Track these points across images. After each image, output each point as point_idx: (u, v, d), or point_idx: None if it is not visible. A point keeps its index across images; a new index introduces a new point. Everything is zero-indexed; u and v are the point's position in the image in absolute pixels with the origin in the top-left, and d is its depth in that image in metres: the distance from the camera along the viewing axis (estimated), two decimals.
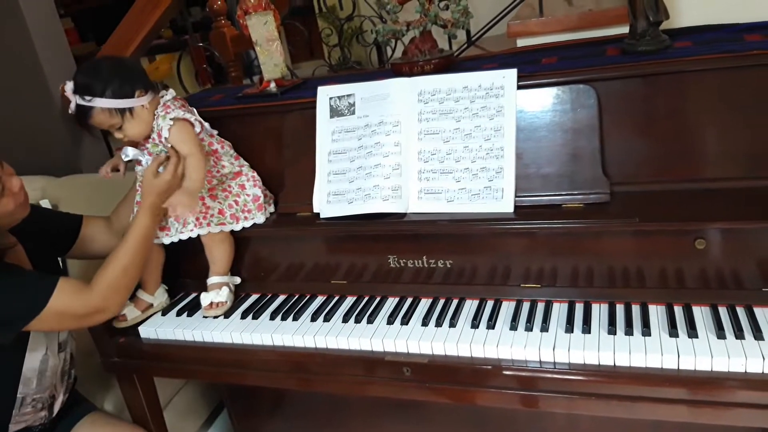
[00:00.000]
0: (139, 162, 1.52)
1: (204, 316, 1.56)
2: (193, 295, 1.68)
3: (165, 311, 1.64)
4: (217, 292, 1.56)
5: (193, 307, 1.62)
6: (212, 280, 1.58)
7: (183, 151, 1.46)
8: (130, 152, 1.50)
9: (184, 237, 1.53)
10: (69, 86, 1.41)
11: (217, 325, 1.54)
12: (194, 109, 1.54)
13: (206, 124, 1.54)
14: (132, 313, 1.61)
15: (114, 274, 1.41)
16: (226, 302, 1.56)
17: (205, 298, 1.56)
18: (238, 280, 1.63)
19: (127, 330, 1.61)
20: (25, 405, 1.46)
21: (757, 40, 1.36)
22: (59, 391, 1.53)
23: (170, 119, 1.44)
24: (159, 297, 1.65)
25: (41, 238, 1.53)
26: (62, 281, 1.34)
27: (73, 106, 1.42)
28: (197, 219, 1.52)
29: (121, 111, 1.41)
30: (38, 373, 1.46)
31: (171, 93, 1.52)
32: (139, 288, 1.62)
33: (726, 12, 1.52)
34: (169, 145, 1.47)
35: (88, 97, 1.38)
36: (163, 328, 1.57)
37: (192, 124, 1.48)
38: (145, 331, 1.59)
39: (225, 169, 1.56)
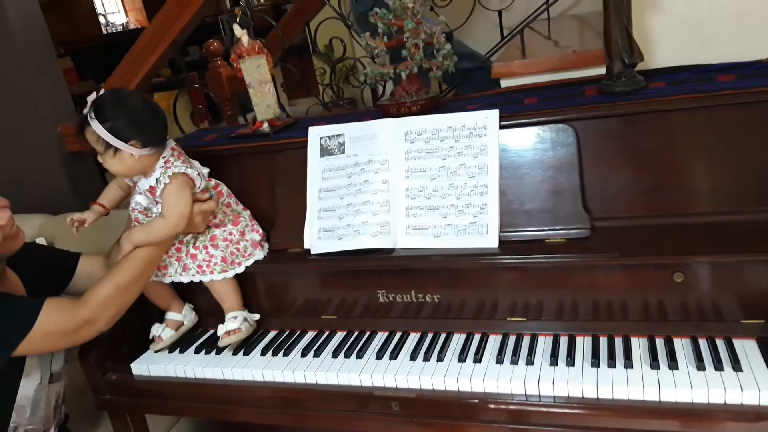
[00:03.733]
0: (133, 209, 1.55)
1: (221, 345, 1.57)
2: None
3: (158, 349, 1.65)
4: (232, 319, 1.57)
5: (184, 344, 1.64)
6: (228, 315, 1.59)
7: (164, 208, 1.46)
8: (142, 201, 1.52)
9: (185, 280, 1.57)
10: (92, 97, 1.43)
11: (209, 361, 1.56)
12: (195, 162, 1.55)
13: (205, 171, 1.56)
14: (167, 334, 1.64)
15: (106, 289, 1.41)
16: (242, 329, 1.56)
17: (221, 329, 1.57)
18: (257, 316, 1.63)
19: (119, 367, 1.62)
20: None
21: (730, 80, 1.42)
22: (51, 425, 1.54)
23: (168, 175, 1.45)
24: (188, 315, 1.67)
25: (40, 274, 1.56)
26: (48, 300, 1.35)
27: (84, 111, 1.43)
28: (199, 266, 1.55)
29: (107, 144, 1.41)
30: (32, 402, 1.46)
31: (170, 142, 1.52)
32: (166, 311, 1.66)
33: (697, 53, 1.59)
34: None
35: (92, 115, 1.40)
36: (156, 364, 1.59)
37: (192, 179, 1.48)
38: (138, 368, 1.61)
39: (225, 216, 1.59)
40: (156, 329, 1.65)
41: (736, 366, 1.17)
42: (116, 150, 1.42)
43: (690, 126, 1.36)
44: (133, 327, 1.67)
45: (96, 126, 1.40)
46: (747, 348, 1.22)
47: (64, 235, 2.18)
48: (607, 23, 1.45)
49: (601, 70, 1.54)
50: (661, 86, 1.45)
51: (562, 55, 1.82)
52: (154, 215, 1.52)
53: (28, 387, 1.45)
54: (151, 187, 1.49)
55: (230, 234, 1.58)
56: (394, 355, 1.42)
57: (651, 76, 1.51)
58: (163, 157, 1.48)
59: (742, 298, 1.25)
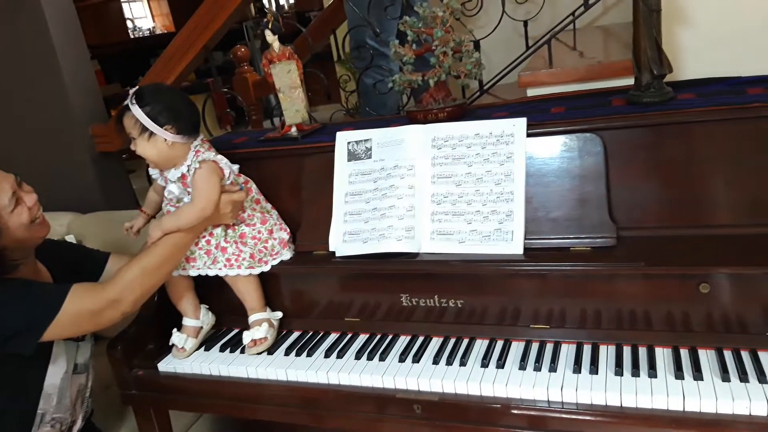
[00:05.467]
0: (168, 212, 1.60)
1: (248, 354, 1.58)
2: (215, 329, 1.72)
3: (181, 358, 1.65)
4: (257, 328, 1.59)
5: (210, 342, 1.67)
6: (252, 318, 1.62)
7: (194, 192, 1.52)
8: (174, 190, 1.57)
9: (211, 273, 1.59)
10: (132, 90, 1.52)
11: (233, 359, 1.58)
12: (224, 158, 1.60)
13: (234, 167, 1.60)
14: (189, 344, 1.65)
15: (132, 271, 1.45)
16: (267, 338, 1.58)
17: (246, 337, 1.59)
18: (279, 314, 1.65)
19: (145, 363, 1.65)
20: (44, 423, 1.50)
21: (759, 93, 1.42)
22: (78, 416, 1.58)
23: (198, 161, 1.52)
24: (205, 318, 1.69)
25: (69, 271, 1.60)
26: (75, 285, 1.40)
27: (126, 101, 1.51)
28: (228, 260, 1.58)
29: (144, 128, 1.49)
30: (59, 390, 1.50)
31: (201, 136, 1.60)
32: (183, 317, 1.67)
33: (728, 66, 1.59)
34: None
35: (133, 101, 1.49)
36: (182, 362, 1.62)
37: (221, 168, 1.55)
38: (164, 365, 1.63)
39: (254, 213, 1.63)
40: (178, 339, 1.64)
41: (762, 378, 1.17)
42: (151, 134, 1.49)
43: (718, 138, 1.36)
44: (159, 325, 1.70)
45: (135, 110, 1.48)
46: None
47: (94, 233, 2.24)
48: (636, 34, 1.46)
49: (627, 81, 1.55)
50: (690, 97, 1.45)
51: (589, 66, 1.83)
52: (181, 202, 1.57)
53: (55, 375, 1.49)
54: (182, 175, 1.54)
55: (259, 232, 1.61)
56: (416, 359, 1.43)
57: (679, 88, 1.51)
58: (194, 147, 1.54)
59: None
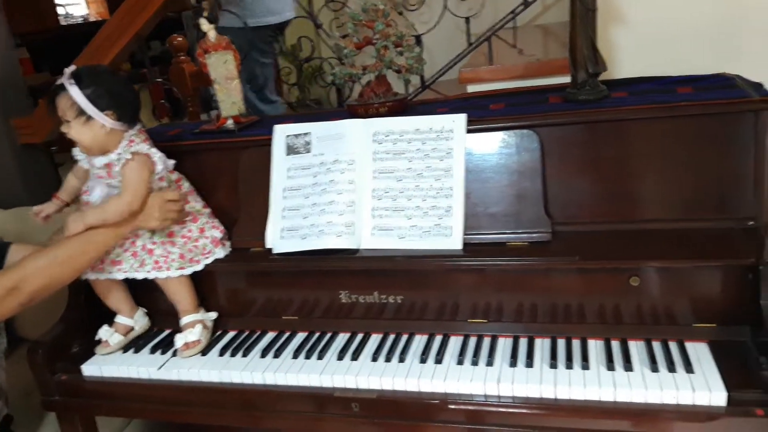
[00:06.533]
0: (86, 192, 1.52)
1: (181, 358, 1.52)
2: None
3: (104, 353, 1.59)
4: (190, 331, 1.53)
5: (139, 344, 1.59)
6: (185, 320, 1.55)
7: (122, 185, 1.45)
8: (97, 194, 1.49)
9: (140, 277, 1.52)
10: (69, 69, 1.44)
11: (164, 361, 1.52)
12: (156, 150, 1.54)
13: (170, 163, 1.54)
14: (115, 339, 1.58)
15: (38, 261, 1.35)
16: (201, 341, 1.53)
17: (179, 340, 1.53)
18: (213, 315, 1.60)
19: (69, 367, 1.57)
20: None
21: (688, 92, 1.47)
22: None
23: (130, 152, 1.45)
24: (139, 320, 1.62)
25: None
26: None
27: (59, 81, 1.42)
28: (156, 262, 1.51)
29: (81, 111, 1.41)
30: None
31: (137, 126, 1.51)
32: (117, 314, 1.60)
33: (659, 65, 1.64)
34: None
35: (71, 81, 1.41)
36: (108, 365, 1.54)
37: (153, 162, 1.48)
38: (89, 369, 1.55)
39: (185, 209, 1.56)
40: (104, 333, 1.59)
41: (689, 368, 1.21)
42: (89, 118, 1.42)
43: (649, 135, 1.40)
44: (84, 326, 1.62)
45: (74, 91, 1.40)
46: (699, 351, 1.26)
47: (15, 229, 2.11)
48: (572, 33, 1.48)
49: (565, 79, 1.57)
50: (623, 96, 1.49)
51: (528, 63, 1.86)
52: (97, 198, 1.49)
53: None
54: (108, 164, 1.46)
55: (189, 231, 1.55)
56: (355, 356, 1.41)
57: (614, 86, 1.55)
58: (129, 136, 1.47)
59: (695, 303, 1.30)
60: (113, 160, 1.46)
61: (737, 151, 1.34)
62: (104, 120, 1.42)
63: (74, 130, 1.43)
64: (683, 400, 1.16)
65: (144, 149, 1.47)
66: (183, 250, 1.53)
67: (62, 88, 1.41)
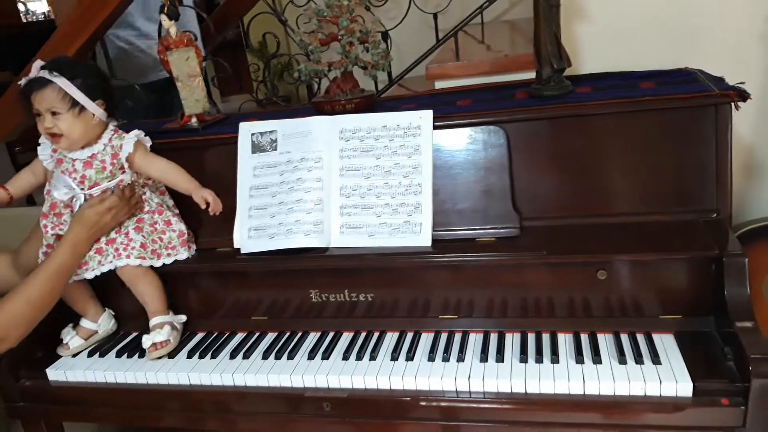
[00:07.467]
0: (48, 192, 1.49)
1: (149, 359, 1.49)
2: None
3: (76, 353, 1.56)
4: (159, 331, 1.50)
5: (105, 347, 1.56)
6: (153, 321, 1.52)
7: (159, 164, 1.50)
8: (63, 191, 1.45)
9: (105, 269, 1.48)
10: (39, 63, 1.41)
11: (131, 365, 1.49)
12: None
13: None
14: (75, 342, 1.55)
15: (16, 305, 1.34)
16: (170, 341, 1.49)
17: (147, 340, 1.49)
18: (183, 318, 1.57)
19: (34, 373, 1.53)
20: None
21: (650, 87, 1.49)
22: None
23: (134, 137, 1.47)
24: (104, 323, 1.58)
25: None
26: None
27: (30, 76, 1.39)
28: (116, 250, 1.48)
29: (74, 103, 1.39)
30: None
31: (113, 122, 1.53)
32: (81, 317, 1.57)
33: (622, 61, 1.66)
34: (120, 168, 1.48)
35: (55, 73, 1.38)
36: (74, 370, 1.51)
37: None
38: (54, 374, 1.51)
39: (152, 202, 1.55)
40: (66, 335, 1.56)
41: (656, 359, 1.22)
42: (82, 109, 1.40)
43: (613, 130, 1.41)
44: (49, 331, 1.57)
45: (63, 82, 1.37)
46: (665, 342, 1.28)
47: None
48: (537, 29, 1.49)
49: (532, 75, 1.58)
50: (587, 91, 1.50)
51: (495, 59, 1.86)
52: (78, 206, 1.46)
53: None
54: (92, 155, 1.45)
55: (154, 222, 1.53)
56: (326, 355, 1.40)
57: (578, 81, 1.56)
58: (112, 127, 1.50)
59: (661, 295, 1.32)
60: (99, 150, 1.45)
61: (700, 145, 1.36)
62: (96, 110, 1.42)
63: (65, 123, 1.40)
64: (651, 392, 1.17)
65: (133, 136, 1.49)
66: (146, 240, 1.50)
67: (45, 81, 1.37)
